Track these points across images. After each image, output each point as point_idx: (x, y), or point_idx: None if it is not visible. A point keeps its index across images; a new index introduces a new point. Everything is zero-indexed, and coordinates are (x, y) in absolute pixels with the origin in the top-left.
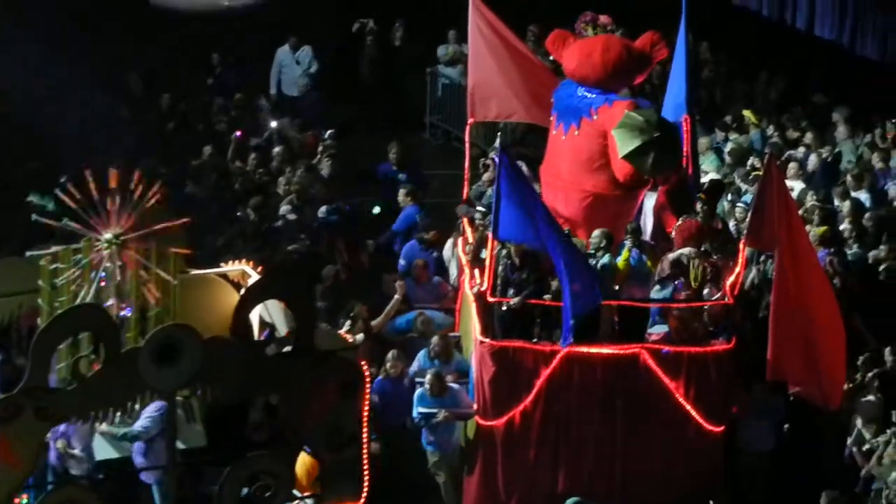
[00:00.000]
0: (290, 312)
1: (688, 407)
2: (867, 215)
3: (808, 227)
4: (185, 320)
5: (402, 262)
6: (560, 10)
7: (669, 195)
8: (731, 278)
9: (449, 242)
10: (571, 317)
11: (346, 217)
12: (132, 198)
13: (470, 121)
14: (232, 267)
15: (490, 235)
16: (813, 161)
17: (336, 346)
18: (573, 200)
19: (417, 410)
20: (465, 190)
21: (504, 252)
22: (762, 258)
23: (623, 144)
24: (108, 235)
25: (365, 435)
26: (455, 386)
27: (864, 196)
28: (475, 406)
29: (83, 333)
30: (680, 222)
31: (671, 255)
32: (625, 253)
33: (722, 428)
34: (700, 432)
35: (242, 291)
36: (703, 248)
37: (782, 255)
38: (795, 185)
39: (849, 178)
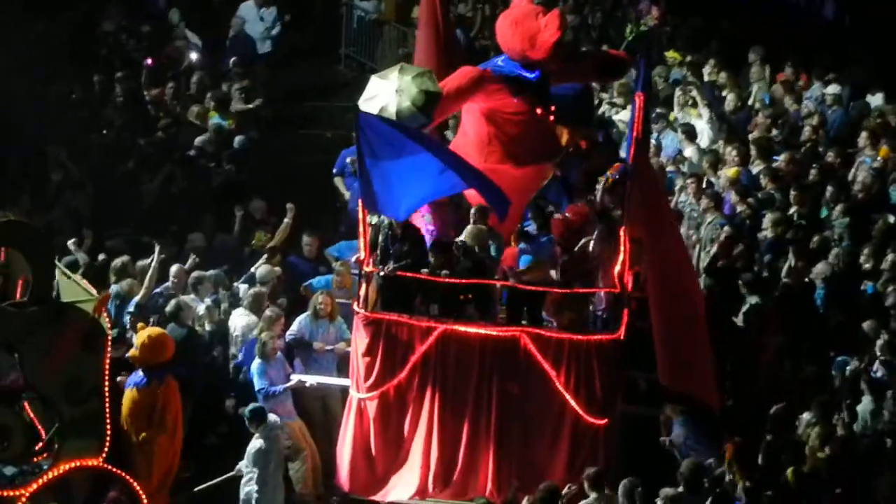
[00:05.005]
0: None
1: (567, 396)
2: (782, 156)
3: (720, 168)
4: None
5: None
6: None
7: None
8: (618, 267)
9: None
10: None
11: (258, 146)
12: None
13: None
14: None
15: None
16: (730, 101)
17: (77, 297)
18: None
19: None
20: None
21: (385, 223)
22: None
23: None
24: None
25: (107, 389)
26: (280, 355)
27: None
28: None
29: None
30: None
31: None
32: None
33: (605, 421)
34: (580, 424)
35: None
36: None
37: (653, 248)
38: (704, 128)
39: (760, 117)
